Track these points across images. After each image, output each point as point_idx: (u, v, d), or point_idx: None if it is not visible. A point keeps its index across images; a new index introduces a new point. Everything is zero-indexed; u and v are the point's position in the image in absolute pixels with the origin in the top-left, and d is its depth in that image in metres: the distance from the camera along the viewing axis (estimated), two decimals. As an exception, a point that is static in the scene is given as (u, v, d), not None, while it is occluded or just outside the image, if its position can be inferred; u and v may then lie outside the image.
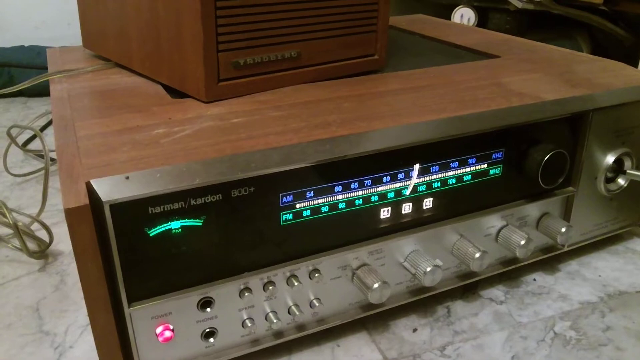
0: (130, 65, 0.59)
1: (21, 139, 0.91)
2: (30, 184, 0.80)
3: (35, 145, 0.92)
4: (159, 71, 0.54)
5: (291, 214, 0.43)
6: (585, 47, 1.24)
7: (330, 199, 0.44)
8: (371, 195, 0.46)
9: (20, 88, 0.65)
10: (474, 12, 1.19)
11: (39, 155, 0.88)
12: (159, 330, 0.41)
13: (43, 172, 0.79)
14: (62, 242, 0.64)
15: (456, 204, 0.50)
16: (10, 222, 0.58)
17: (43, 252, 0.62)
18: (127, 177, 0.37)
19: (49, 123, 0.90)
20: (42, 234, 0.62)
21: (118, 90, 0.54)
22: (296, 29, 0.52)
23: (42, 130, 0.90)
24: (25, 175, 0.82)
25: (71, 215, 0.35)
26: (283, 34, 0.52)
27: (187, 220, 0.39)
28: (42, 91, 1.14)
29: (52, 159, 0.76)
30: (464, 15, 1.20)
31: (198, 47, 0.48)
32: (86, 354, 0.48)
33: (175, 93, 0.52)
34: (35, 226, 0.64)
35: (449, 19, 1.23)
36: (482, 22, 1.21)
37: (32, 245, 0.62)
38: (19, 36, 1.30)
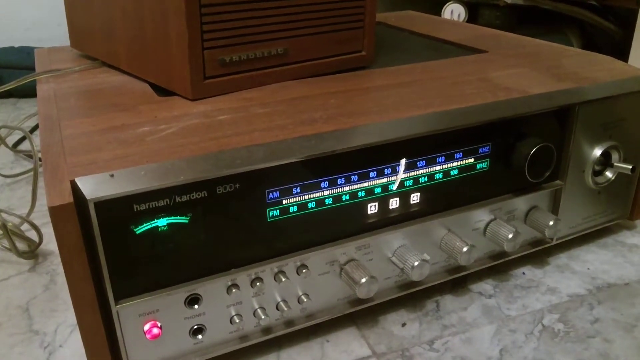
0: (118, 65, 0.59)
1: (11, 140, 0.91)
2: (20, 184, 0.80)
3: (26, 146, 0.92)
4: (146, 70, 0.54)
5: (278, 210, 0.43)
6: (576, 42, 1.24)
7: (316, 194, 0.44)
8: (358, 191, 0.46)
9: (7, 88, 0.65)
10: (464, 7, 1.20)
11: (29, 155, 0.88)
12: (146, 327, 0.41)
13: (32, 172, 0.79)
14: (52, 242, 0.64)
15: (443, 199, 0.50)
16: (0, 222, 0.58)
17: (33, 252, 0.62)
18: (112, 175, 0.37)
19: (39, 124, 0.90)
20: (32, 234, 0.62)
21: (105, 89, 0.54)
22: (282, 26, 0.52)
23: (32, 132, 0.90)
24: (15, 176, 0.82)
25: (56, 213, 0.35)
26: (269, 30, 0.52)
27: (173, 217, 0.39)
28: (32, 92, 1.13)
29: (42, 160, 0.76)
30: (454, 11, 1.20)
31: (183, 45, 0.48)
32: (76, 353, 0.48)
33: (162, 91, 0.52)
34: (25, 227, 0.63)
35: (439, 15, 1.23)
36: (472, 18, 1.21)
37: (21, 246, 0.62)
38: (9, 37, 1.30)
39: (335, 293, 0.48)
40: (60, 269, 0.60)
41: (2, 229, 0.58)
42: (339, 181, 0.44)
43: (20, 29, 1.33)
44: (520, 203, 0.55)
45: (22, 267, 0.60)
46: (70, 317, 0.52)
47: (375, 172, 0.46)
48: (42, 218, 0.69)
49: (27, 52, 1.18)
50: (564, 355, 0.47)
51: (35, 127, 0.92)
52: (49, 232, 0.64)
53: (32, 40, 1.30)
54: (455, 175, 0.50)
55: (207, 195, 0.40)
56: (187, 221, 0.40)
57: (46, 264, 0.61)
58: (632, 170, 0.57)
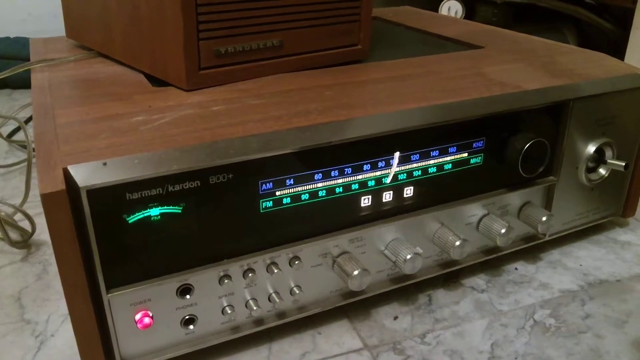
0: (113, 55, 0.59)
1: (6, 130, 0.91)
2: (14, 174, 0.79)
3: (20, 136, 0.92)
4: (141, 60, 0.54)
5: (271, 202, 0.43)
6: (572, 41, 1.24)
7: (310, 186, 0.44)
8: (352, 183, 0.46)
9: (2, 77, 0.65)
10: (461, 4, 1.20)
11: (23, 146, 0.88)
12: (138, 317, 0.41)
13: (26, 162, 0.79)
14: (45, 232, 0.64)
15: (437, 193, 0.50)
16: (-8, 211, 0.58)
17: (25, 242, 0.62)
18: (105, 164, 0.37)
19: (34, 114, 0.89)
20: (25, 225, 0.62)
21: (100, 79, 0.54)
22: (278, 18, 0.52)
23: (26, 122, 0.90)
24: (9, 166, 0.81)
25: (48, 200, 0.35)
26: (265, 22, 0.52)
27: (166, 207, 0.39)
28: (27, 83, 1.13)
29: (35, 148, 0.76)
30: (451, 8, 1.20)
31: (179, 35, 0.47)
32: (67, 343, 0.48)
33: (157, 82, 0.52)
34: (18, 216, 0.63)
35: (437, 11, 1.23)
36: (469, 15, 1.22)
37: (14, 235, 0.61)
38: (5, 29, 1.29)
39: (327, 285, 0.48)
40: (52, 259, 0.59)
41: (-5, 219, 0.58)
42: (332, 173, 0.44)
43: (16, 20, 1.33)
44: (514, 198, 0.55)
45: (15, 256, 0.60)
46: (62, 306, 0.52)
47: (369, 165, 0.46)
48: (36, 208, 0.68)
49: (22, 43, 1.18)
50: (555, 350, 0.47)
51: (30, 118, 0.91)
52: (42, 222, 0.64)
53: (28, 31, 1.30)
54: (449, 169, 0.50)
55: (200, 185, 0.40)
56: (179, 211, 0.40)
57: (39, 254, 0.61)
58: (625, 167, 0.57)
